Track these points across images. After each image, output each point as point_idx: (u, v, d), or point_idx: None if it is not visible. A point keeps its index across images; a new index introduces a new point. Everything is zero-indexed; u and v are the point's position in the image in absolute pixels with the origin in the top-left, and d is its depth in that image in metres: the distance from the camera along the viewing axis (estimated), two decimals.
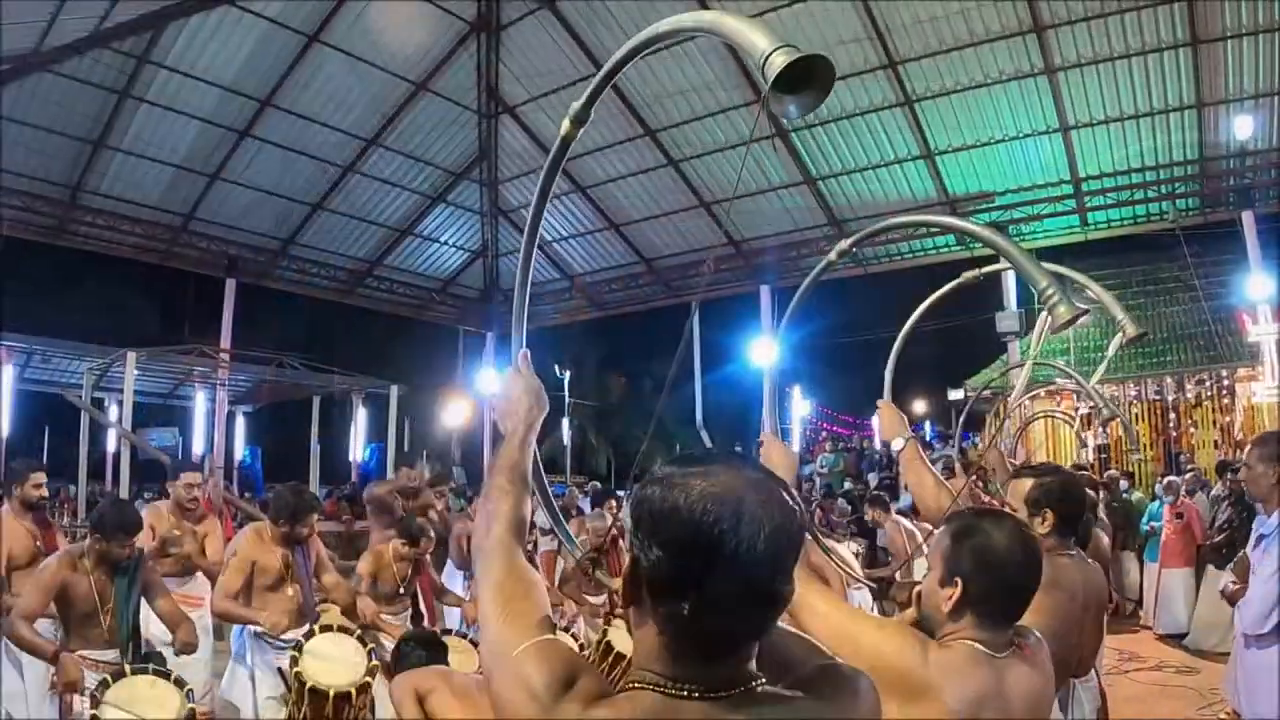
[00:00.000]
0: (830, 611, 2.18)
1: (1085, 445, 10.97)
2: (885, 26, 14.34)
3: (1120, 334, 4.61)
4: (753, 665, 1.31)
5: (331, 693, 4.71)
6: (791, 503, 1.28)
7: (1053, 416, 11.62)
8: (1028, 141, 15.68)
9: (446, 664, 4.25)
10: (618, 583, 1.58)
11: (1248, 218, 14.74)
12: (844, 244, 3.14)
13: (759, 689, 1.28)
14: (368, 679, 4.85)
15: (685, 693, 1.24)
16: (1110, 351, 6.18)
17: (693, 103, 16.59)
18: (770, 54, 1.39)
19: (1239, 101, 13.87)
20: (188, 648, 5.10)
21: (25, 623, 4.77)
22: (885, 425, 3.85)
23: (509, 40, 17.40)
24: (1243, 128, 13.66)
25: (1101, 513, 9.68)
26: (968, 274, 3.77)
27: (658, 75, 16.19)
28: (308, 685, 4.70)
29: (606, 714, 1.22)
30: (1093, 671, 4.11)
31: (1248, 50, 13.28)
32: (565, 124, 1.85)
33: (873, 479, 19.58)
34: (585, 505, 12.66)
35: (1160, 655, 9.81)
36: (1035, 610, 2.28)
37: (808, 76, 1.43)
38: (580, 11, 15.99)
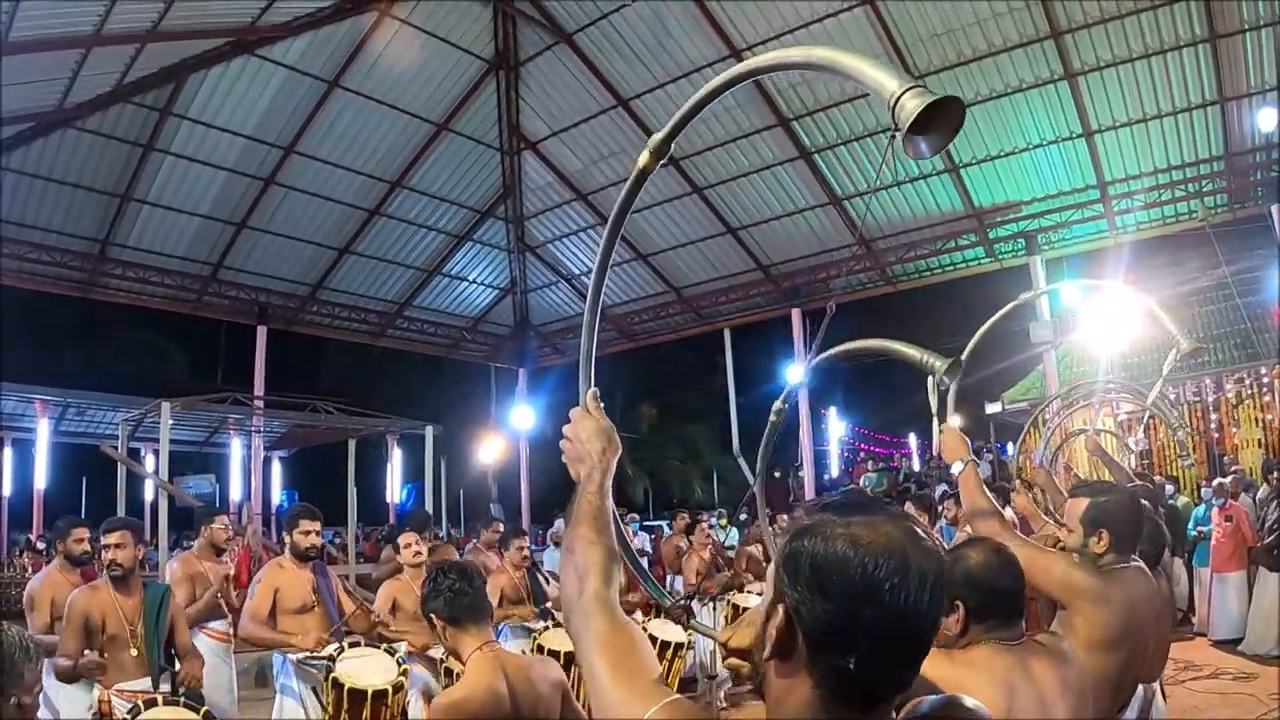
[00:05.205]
0: None
1: (1130, 451, 10.76)
2: (903, 42, 14.26)
3: (1175, 349, 5.09)
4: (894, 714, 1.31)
5: (370, 690, 4.89)
6: (940, 552, 1.28)
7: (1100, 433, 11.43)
8: (1052, 148, 15.50)
9: (484, 600, 3.49)
10: (720, 633, 1.64)
11: (1277, 211, 14.46)
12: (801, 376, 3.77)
13: None
14: (401, 679, 5.08)
15: None
16: (1165, 369, 6.10)
17: (714, 129, 16.54)
18: (901, 95, 1.38)
19: (1261, 95, 13.66)
20: (193, 680, 5.29)
21: (64, 660, 4.92)
22: (948, 448, 3.90)
23: (528, 76, 17.52)
24: (1267, 120, 13.45)
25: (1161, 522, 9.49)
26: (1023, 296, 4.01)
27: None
28: (346, 687, 4.88)
29: None
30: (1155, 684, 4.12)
31: (1267, 42, 13.09)
32: (644, 156, 1.85)
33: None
34: None
35: (1216, 662, 9.61)
36: (1088, 623, 2.75)
37: (934, 112, 1.40)
38: (598, 45, 16.05)
